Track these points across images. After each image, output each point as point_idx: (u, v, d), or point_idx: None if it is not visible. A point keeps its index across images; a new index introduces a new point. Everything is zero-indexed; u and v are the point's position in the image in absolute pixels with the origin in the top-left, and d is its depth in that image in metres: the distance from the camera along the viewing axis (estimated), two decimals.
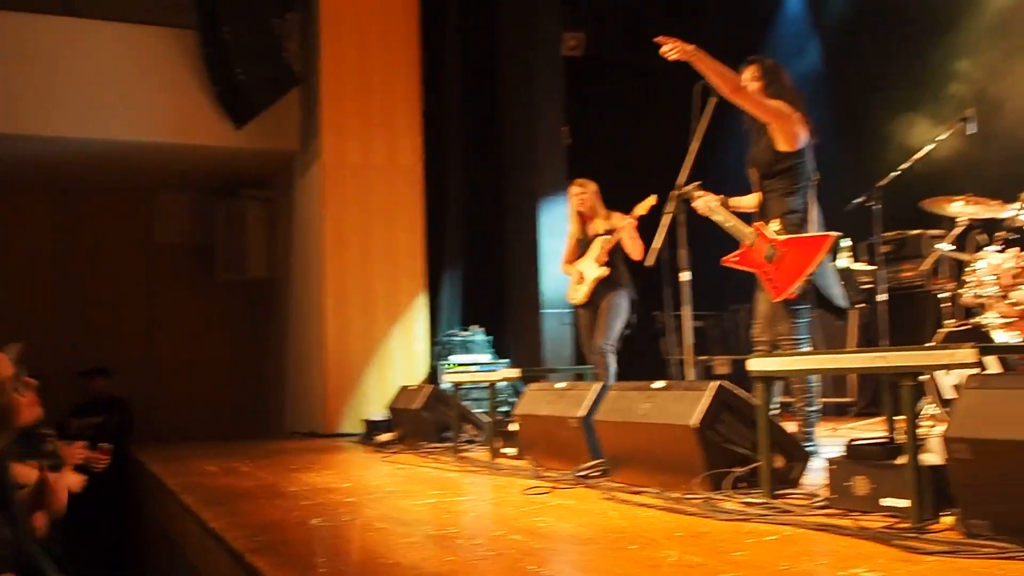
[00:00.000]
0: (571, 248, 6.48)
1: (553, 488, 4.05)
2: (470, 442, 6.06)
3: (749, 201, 4.81)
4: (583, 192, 6.38)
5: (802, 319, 4.48)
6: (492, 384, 5.84)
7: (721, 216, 4.75)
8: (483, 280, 9.45)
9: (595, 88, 9.73)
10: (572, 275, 6.42)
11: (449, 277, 9.29)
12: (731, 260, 4.71)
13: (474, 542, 3.07)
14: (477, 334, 8.83)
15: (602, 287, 6.22)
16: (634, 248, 6.10)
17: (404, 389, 7.10)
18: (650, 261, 5.06)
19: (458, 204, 9.48)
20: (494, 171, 9.67)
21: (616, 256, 6.23)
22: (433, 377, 8.40)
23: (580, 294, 6.32)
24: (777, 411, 4.52)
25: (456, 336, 8.75)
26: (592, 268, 6.25)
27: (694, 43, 4.48)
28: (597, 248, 6.24)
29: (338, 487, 4.59)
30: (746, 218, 4.74)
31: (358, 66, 8.70)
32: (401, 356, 8.64)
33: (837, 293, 4.56)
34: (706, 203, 4.80)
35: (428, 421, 6.34)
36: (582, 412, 4.43)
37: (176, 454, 6.70)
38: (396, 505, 3.96)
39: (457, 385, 6.51)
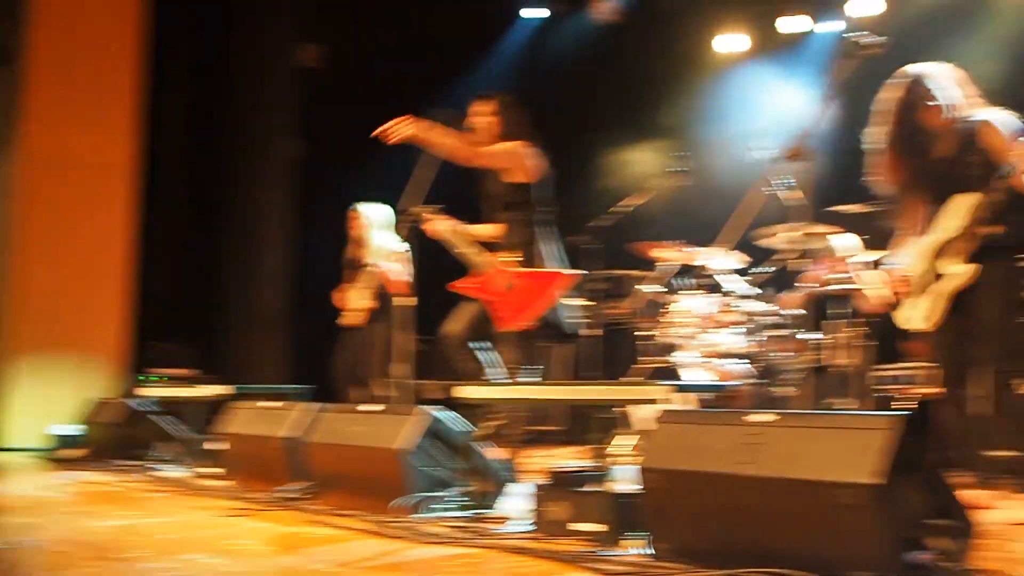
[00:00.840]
0: (349, 275, 6.63)
1: (255, 510, 3.91)
2: (169, 460, 5.75)
3: (484, 230, 4.90)
4: (358, 219, 6.50)
5: (527, 349, 4.61)
6: (196, 400, 5.59)
7: (455, 241, 4.81)
8: (196, 291, 9.05)
9: (331, 101, 9.61)
10: (342, 301, 6.54)
11: (159, 286, 8.81)
12: (462, 286, 4.76)
13: (166, 566, 2.89)
14: (184, 347, 8.43)
15: (368, 315, 6.38)
16: (399, 282, 6.15)
17: (100, 401, 6.65)
18: None
19: (176, 210, 9.04)
20: (218, 179, 9.31)
21: (382, 286, 6.38)
22: (133, 390, 7.93)
23: (347, 319, 6.48)
24: (488, 436, 4.62)
25: (162, 348, 8.30)
26: (359, 295, 6.38)
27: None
28: (365, 277, 6.38)
29: (13, 506, 4.21)
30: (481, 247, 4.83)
31: (71, 55, 8.09)
32: (98, 366, 8.07)
33: (565, 323, 4.73)
34: (439, 227, 4.84)
35: (124, 437, 5.97)
36: (290, 432, 4.33)
37: None
38: (81, 527, 3.66)
39: (159, 400, 6.17)
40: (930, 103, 3.79)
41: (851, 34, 3.71)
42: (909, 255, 3.87)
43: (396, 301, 4.99)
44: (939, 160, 3.82)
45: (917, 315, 3.82)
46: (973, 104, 3.82)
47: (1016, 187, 3.55)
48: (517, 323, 4.53)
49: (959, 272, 3.68)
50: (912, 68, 3.86)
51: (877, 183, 3.99)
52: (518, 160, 4.63)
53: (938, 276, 3.73)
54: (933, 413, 3.76)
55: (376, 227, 6.44)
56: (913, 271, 3.84)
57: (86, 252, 8.08)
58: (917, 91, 3.81)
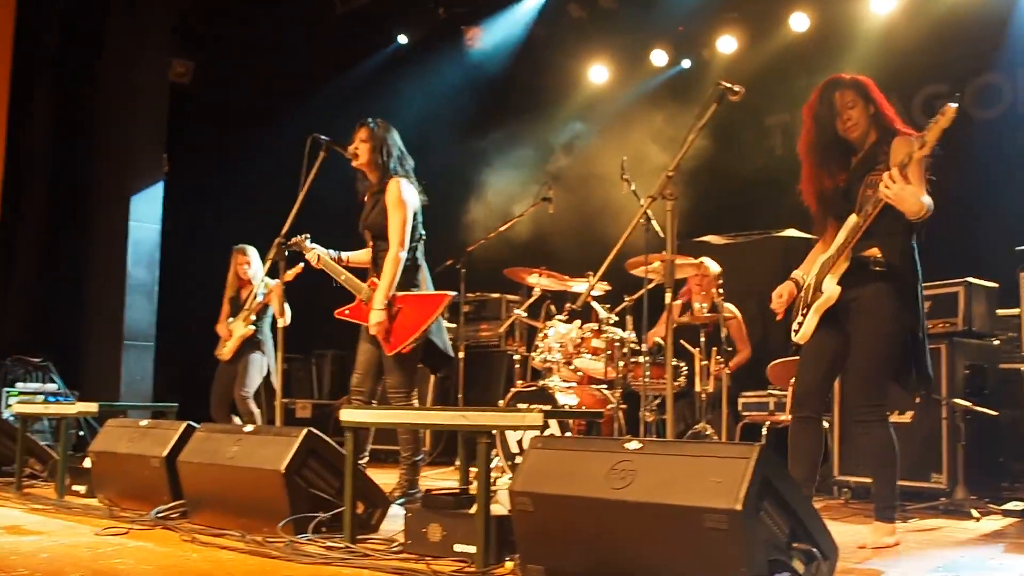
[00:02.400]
0: (225, 309, 6.90)
1: (130, 529, 3.91)
2: (34, 477, 5.63)
3: (365, 256, 5.02)
4: (246, 260, 6.84)
5: (412, 372, 4.74)
6: (64, 417, 5.47)
7: (333, 271, 4.92)
8: (60, 305, 8.81)
9: (201, 118, 9.51)
10: (223, 333, 6.80)
11: (21, 298, 8.56)
12: (344, 312, 4.89)
13: None
14: (47, 361, 8.20)
15: (246, 344, 6.68)
16: (281, 311, 6.16)
17: None
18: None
19: (38, 221, 8.81)
20: (84, 193, 9.08)
21: (263, 318, 6.75)
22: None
23: (226, 350, 6.74)
24: (365, 459, 4.74)
25: (24, 361, 8.06)
26: (240, 326, 6.69)
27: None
28: (247, 309, 6.69)
29: None
30: (361, 272, 4.95)
31: None
32: None
33: (447, 345, 4.89)
34: (317, 256, 4.94)
35: None
36: (165, 451, 4.34)
37: None
38: None
39: (24, 416, 6.02)
40: (850, 113, 3.73)
41: (720, 82, 3.85)
42: (813, 271, 3.87)
43: (279, 326, 5.07)
44: (850, 175, 3.78)
45: (799, 329, 3.83)
46: (894, 120, 3.75)
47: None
48: (400, 346, 4.67)
49: (828, 291, 3.70)
50: (837, 77, 3.80)
51: (802, 196, 3.92)
52: (400, 201, 4.76)
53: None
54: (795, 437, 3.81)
55: (258, 264, 6.79)
56: (804, 286, 3.87)
57: None
58: (840, 99, 3.74)
